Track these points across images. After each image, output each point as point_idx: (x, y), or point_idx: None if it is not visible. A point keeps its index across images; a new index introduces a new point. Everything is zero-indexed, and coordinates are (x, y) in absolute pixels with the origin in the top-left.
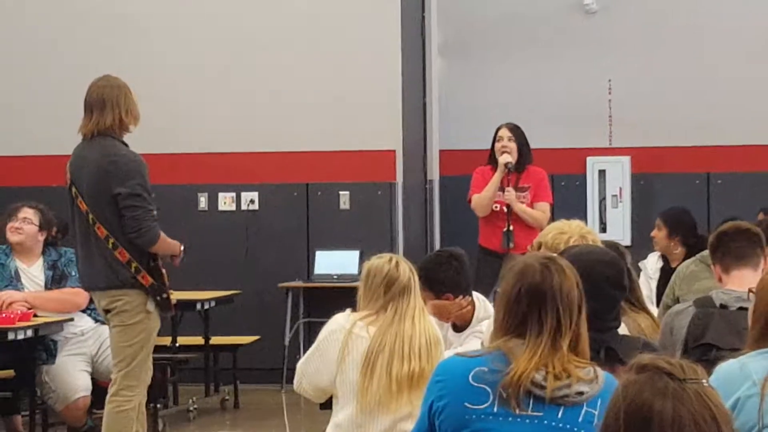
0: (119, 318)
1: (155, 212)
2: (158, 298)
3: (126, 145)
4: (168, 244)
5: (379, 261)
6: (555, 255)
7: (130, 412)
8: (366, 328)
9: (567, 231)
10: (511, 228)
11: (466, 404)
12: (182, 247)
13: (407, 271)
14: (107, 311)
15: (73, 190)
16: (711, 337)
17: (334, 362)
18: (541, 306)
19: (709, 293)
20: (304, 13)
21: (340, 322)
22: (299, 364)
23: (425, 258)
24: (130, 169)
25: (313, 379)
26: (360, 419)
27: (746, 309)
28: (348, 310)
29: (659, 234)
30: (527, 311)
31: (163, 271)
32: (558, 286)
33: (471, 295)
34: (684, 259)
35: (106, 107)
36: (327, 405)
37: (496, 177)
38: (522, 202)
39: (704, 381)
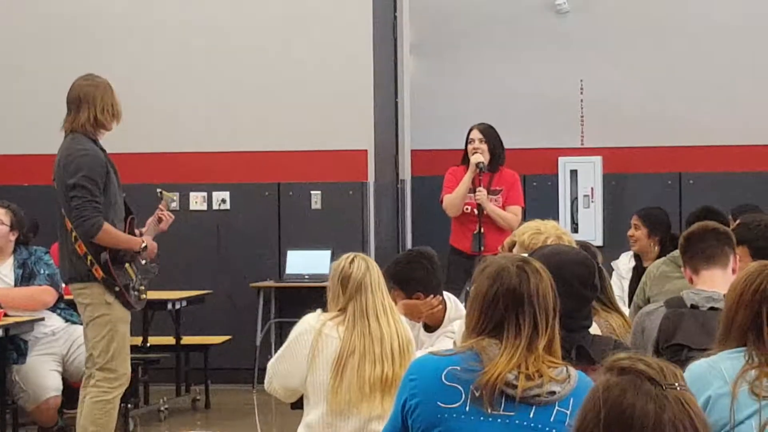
0: (86, 313)
1: (98, 204)
2: (114, 290)
3: (95, 142)
4: (118, 238)
5: (339, 260)
6: (528, 257)
7: (108, 404)
8: (336, 328)
9: (544, 231)
10: (482, 230)
11: (439, 403)
12: (143, 245)
13: (362, 267)
14: (79, 305)
15: (54, 185)
16: (682, 338)
17: (304, 362)
18: (518, 309)
19: (680, 293)
20: (276, 14)
21: (310, 322)
22: (270, 364)
23: (396, 257)
24: (81, 162)
25: (284, 379)
26: (330, 419)
27: (717, 309)
28: (318, 311)
29: (638, 233)
30: (504, 314)
31: (126, 266)
32: (535, 288)
33: (442, 294)
34: (656, 259)
35: (82, 105)
36: (298, 405)
37: (467, 177)
38: (494, 205)
39: (683, 386)
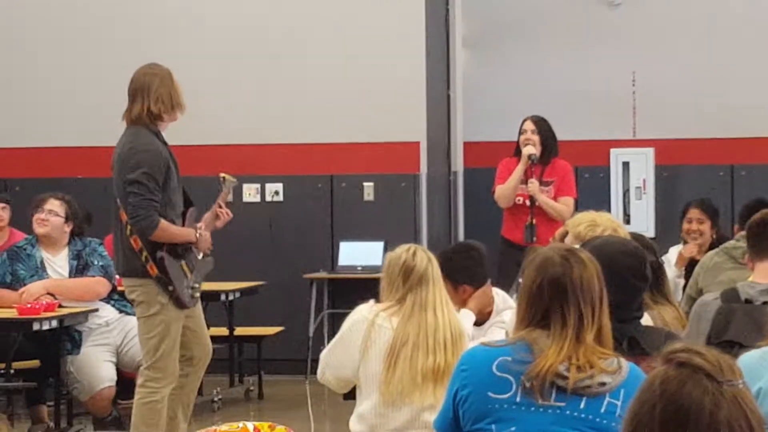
0: (139, 309)
1: (156, 203)
2: (167, 289)
3: (157, 135)
4: (174, 233)
5: (398, 251)
6: (575, 247)
7: (157, 404)
8: (389, 319)
9: (600, 223)
10: (534, 221)
11: (490, 393)
12: (198, 233)
13: (425, 260)
14: (132, 301)
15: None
16: (733, 334)
17: (357, 353)
18: (562, 299)
19: (735, 285)
20: (330, 5)
21: (363, 313)
22: (323, 355)
23: (444, 249)
24: (141, 157)
25: (336, 369)
26: (382, 410)
27: None
28: (371, 301)
29: (703, 227)
30: (549, 304)
31: (182, 263)
32: (579, 278)
33: (488, 286)
34: (708, 251)
35: (137, 96)
36: (351, 395)
37: (519, 168)
38: (546, 196)
39: (741, 383)
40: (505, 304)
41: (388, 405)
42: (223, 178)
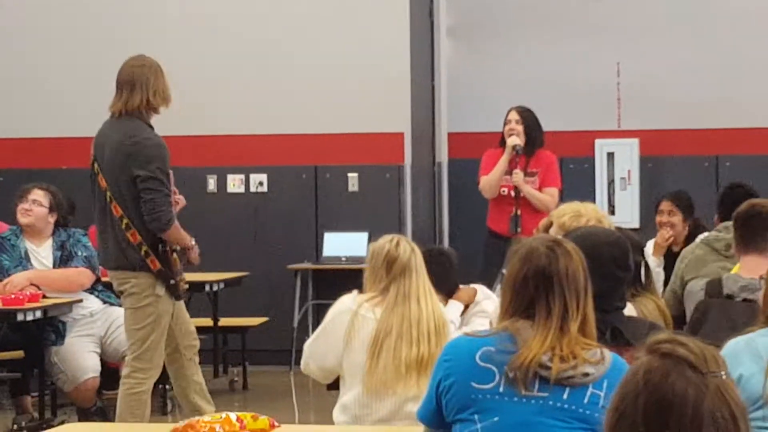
0: (129, 301)
1: (170, 198)
2: (168, 282)
3: (151, 127)
4: (179, 234)
5: (381, 241)
6: (560, 238)
7: (142, 395)
8: (372, 309)
9: (584, 214)
10: (519, 212)
11: (473, 383)
12: (193, 241)
13: (408, 250)
14: (121, 292)
15: (95, 166)
16: (705, 333)
17: (341, 343)
18: (548, 290)
19: (720, 276)
20: None
21: (346, 303)
22: (306, 345)
23: None
24: (151, 152)
25: (320, 360)
26: (366, 400)
27: (751, 300)
28: (354, 292)
29: (674, 219)
30: (534, 295)
31: (175, 257)
32: (564, 269)
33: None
34: (685, 243)
35: (135, 87)
36: (335, 386)
37: (503, 158)
38: (531, 187)
39: (724, 373)
40: (484, 295)
41: (371, 395)
42: None
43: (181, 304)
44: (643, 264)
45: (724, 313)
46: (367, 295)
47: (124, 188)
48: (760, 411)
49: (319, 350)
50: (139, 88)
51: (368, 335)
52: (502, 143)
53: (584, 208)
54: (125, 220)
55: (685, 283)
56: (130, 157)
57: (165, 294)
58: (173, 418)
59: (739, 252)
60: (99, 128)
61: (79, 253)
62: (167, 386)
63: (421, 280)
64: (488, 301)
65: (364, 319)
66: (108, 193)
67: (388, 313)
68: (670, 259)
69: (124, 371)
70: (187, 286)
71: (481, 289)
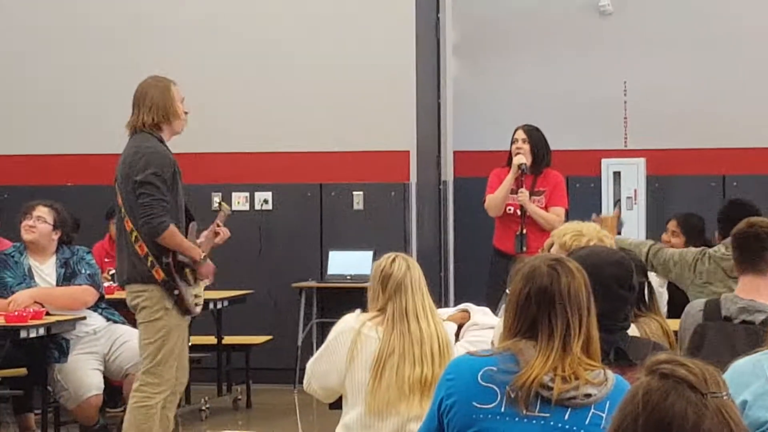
0: (142, 314)
1: (166, 204)
2: (173, 294)
3: (162, 142)
4: (178, 241)
5: (380, 259)
6: (563, 257)
7: (151, 409)
8: (375, 328)
9: (585, 233)
10: (524, 231)
11: (474, 403)
12: (202, 255)
13: (403, 266)
14: (134, 308)
15: (115, 186)
16: (704, 356)
17: (343, 362)
18: (550, 309)
19: (719, 297)
20: (319, 14)
21: (349, 323)
22: (309, 364)
23: None
24: (149, 159)
25: (322, 379)
26: (368, 420)
27: (749, 323)
28: (357, 311)
29: (675, 240)
30: (536, 314)
31: (186, 271)
32: (566, 288)
33: None
34: None
35: (145, 105)
36: (337, 405)
37: (509, 177)
38: (537, 206)
39: (725, 394)
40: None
41: (374, 415)
42: (220, 204)
43: (186, 336)
44: (646, 284)
45: (723, 336)
46: (370, 314)
47: (131, 198)
48: None
49: (321, 369)
50: (136, 106)
51: (371, 354)
52: (509, 162)
53: (586, 228)
54: (134, 233)
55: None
56: (130, 166)
57: (173, 307)
58: (207, 426)
59: (737, 271)
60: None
61: (83, 271)
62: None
63: (418, 297)
64: (480, 313)
65: (367, 338)
66: (123, 210)
67: (389, 332)
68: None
69: (134, 385)
70: (200, 302)
71: (469, 307)
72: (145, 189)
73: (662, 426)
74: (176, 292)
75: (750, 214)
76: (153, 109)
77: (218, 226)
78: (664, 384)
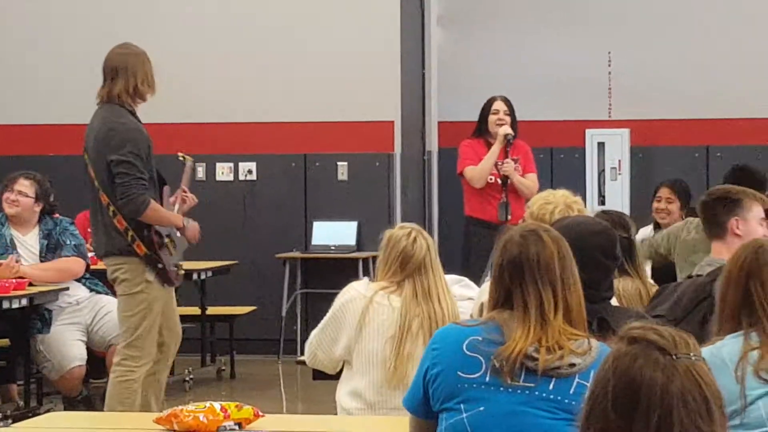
0: (121, 287)
1: (145, 182)
2: (156, 267)
3: (133, 113)
4: (162, 216)
5: (399, 232)
6: (540, 226)
7: (133, 383)
8: (387, 296)
9: (552, 201)
10: (506, 200)
11: (459, 373)
12: (184, 221)
13: (424, 247)
14: (114, 280)
15: (85, 156)
16: (659, 310)
17: (353, 330)
18: (520, 279)
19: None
20: None
21: (359, 290)
22: (312, 336)
23: None
24: (125, 137)
25: (328, 348)
26: (384, 389)
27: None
28: (365, 279)
29: (672, 206)
30: (510, 284)
31: (167, 242)
32: (535, 258)
33: None
34: None
35: (119, 75)
36: (322, 376)
37: (496, 148)
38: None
39: (695, 356)
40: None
41: (389, 387)
42: (183, 158)
43: (174, 302)
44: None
45: (674, 291)
46: (381, 283)
47: (105, 175)
48: (737, 419)
49: (328, 338)
50: (122, 75)
51: (384, 322)
52: (482, 132)
53: (553, 196)
54: (111, 208)
55: (666, 255)
56: (106, 143)
57: (155, 280)
58: (192, 397)
59: (708, 239)
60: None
61: (69, 242)
62: None
63: (437, 277)
64: (457, 286)
65: (379, 306)
66: (96, 183)
67: (410, 307)
68: None
69: (115, 359)
70: (182, 272)
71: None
72: (123, 168)
73: (632, 388)
74: (160, 265)
75: (755, 181)
76: (132, 78)
77: (184, 192)
78: (634, 348)
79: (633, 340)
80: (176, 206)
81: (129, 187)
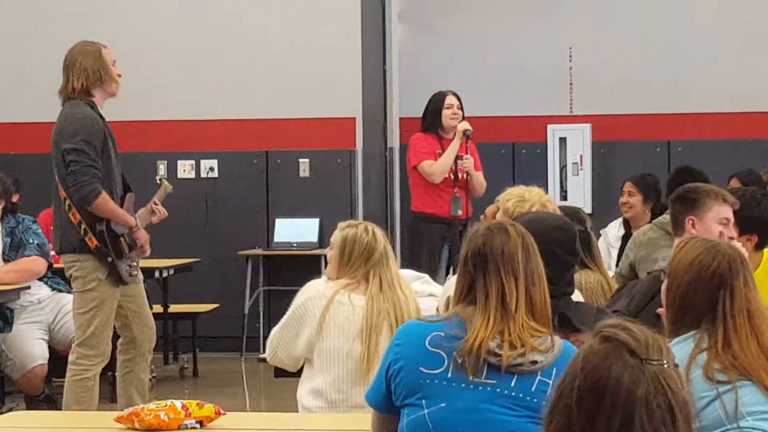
0: (75, 284)
1: (97, 171)
2: (107, 262)
3: (92, 107)
4: (113, 210)
5: (355, 231)
6: (508, 221)
7: (88, 382)
8: (348, 294)
9: (528, 199)
10: (458, 195)
11: (421, 368)
12: (136, 224)
13: (382, 240)
14: (70, 278)
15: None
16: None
17: (313, 329)
18: (484, 269)
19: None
20: None
21: (319, 289)
22: (273, 334)
23: None
24: (77, 125)
25: (289, 346)
26: (343, 386)
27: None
28: (324, 277)
29: (632, 200)
30: (474, 276)
31: (122, 240)
32: (499, 249)
33: None
34: None
35: (70, 71)
36: (282, 373)
37: (455, 143)
38: None
39: (666, 362)
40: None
41: (349, 382)
42: (160, 180)
43: (143, 298)
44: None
45: (630, 288)
46: (342, 281)
47: (60, 168)
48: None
49: (288, 336)
50: (68, 72)
51: (345, 320)
52: (429, 128)
53: (528, 193)
54: (67, 202)
55: (632, 264)
56: (60, 135)
57: (107, 278)
58: (154, 395)
59: (674, 234)
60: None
61: (32, 241)
62: (116, 373)
63: (395, 266)
64: (417, 282)
65: (339, 305)
66: (55, 178)
67: (377, 301)
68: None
69: (70, 357)
70: (135, 272)
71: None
72: (74, 156)
73: (597, 387)
74: (109, 259)
75: (696, 180)
76: (84, 73)
77: (155, 204)
78: (605, 347)
79: (605, 339)
80: (145, 217)
81: (80, 175)
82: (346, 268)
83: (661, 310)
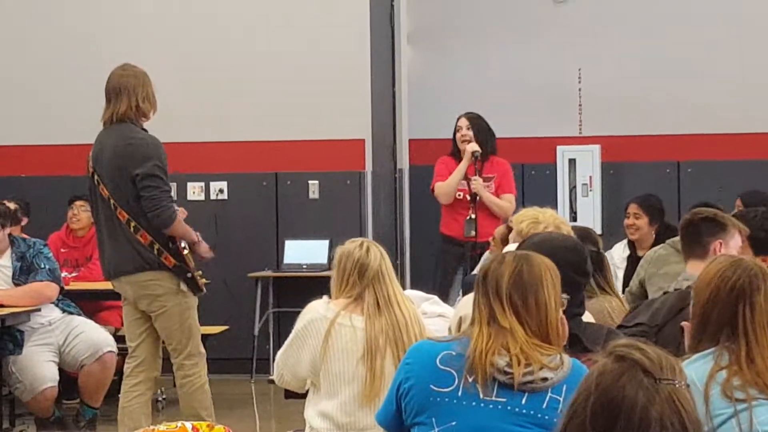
0: (158, 303)
1: (170, 194)
2: (186, 277)
3: (145, 130)
4: (184, 229)
5: (350, 246)
6: (528, 253)
7: (204, 385)
8: (349, 316)
9: (542, 221)
10: (474, 216)
11: (432, 386)
12: (198, 236)
13: (378, 256)
14: (143, 297)
15: (95, 177)
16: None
17: (317, 353)
18: (477, 292)
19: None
20: (274, 3)
21: (319, 311)
22: (278, 357)
23: None
24: (147, 151)
25: (294, 369)
26: (351, 408)
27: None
28: (325, 298)
29: (639, 222)
30: (490, 300)
31: (185, 253)
32: (495, 276)
33: None
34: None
35: (122, 95)
36: (293, 395)
37: (463, 165)
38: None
39: (679, 382)
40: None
41: (357, 405)
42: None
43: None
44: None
45: (649, 305)
46: (341, 301)
47: (127, 191)
48: None
49: (293, 359)
50: (125, 95)
51: (348, 343)
52: (455, 151)
53: (542, 215)
54: (132, 223)
55: (642, 282)
56: (128, 158)
57: (187, 290)
58: (164, 417)
59: (684, 259)
60: (94, 138)
61: (43, 266)
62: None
63: (394, 284)
64: (427, 303)
65: (341, 327)
66: (112, 201)
67: (375, 321)
68: (636, 262)
69: (176, 374)
70: (205, 280)
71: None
72: (150, 182)
73: (611, 407)
74: (189, 274)
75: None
76: (146, 98)
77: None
78: (619, 366)
79: (620, 358)
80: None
81: (159, 200)
82: (342, 284)
83: (685, 324)
